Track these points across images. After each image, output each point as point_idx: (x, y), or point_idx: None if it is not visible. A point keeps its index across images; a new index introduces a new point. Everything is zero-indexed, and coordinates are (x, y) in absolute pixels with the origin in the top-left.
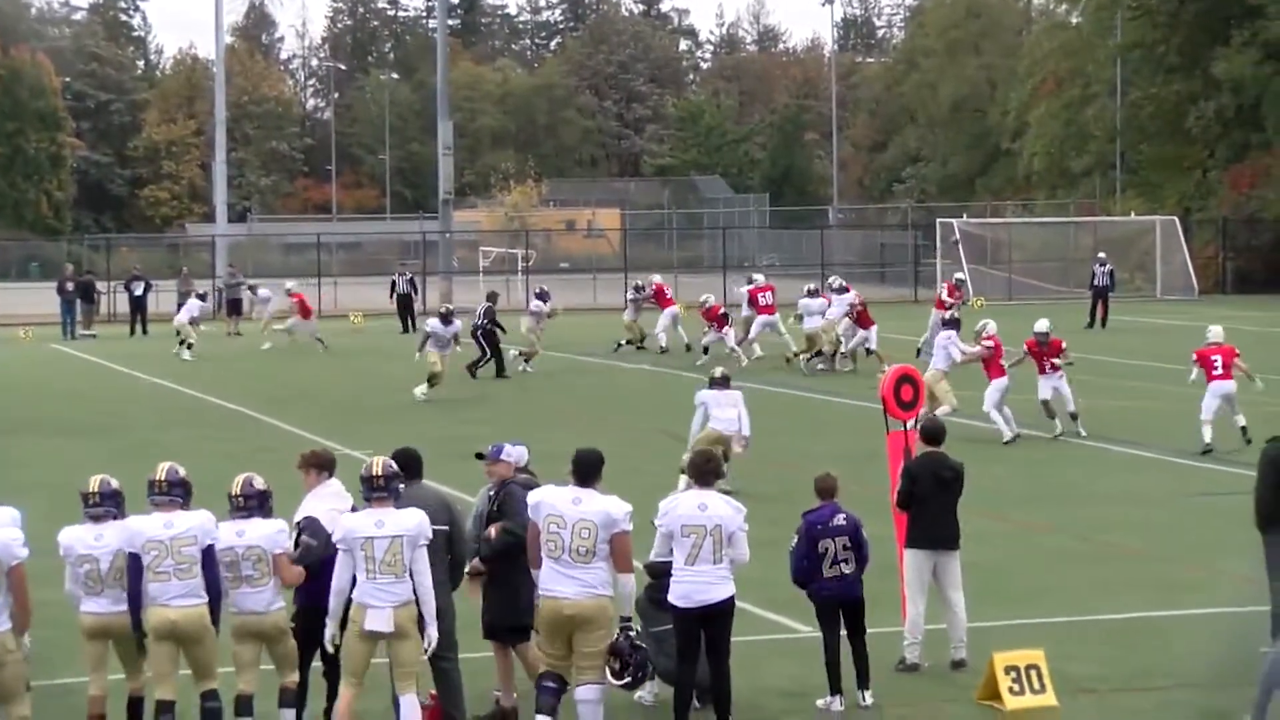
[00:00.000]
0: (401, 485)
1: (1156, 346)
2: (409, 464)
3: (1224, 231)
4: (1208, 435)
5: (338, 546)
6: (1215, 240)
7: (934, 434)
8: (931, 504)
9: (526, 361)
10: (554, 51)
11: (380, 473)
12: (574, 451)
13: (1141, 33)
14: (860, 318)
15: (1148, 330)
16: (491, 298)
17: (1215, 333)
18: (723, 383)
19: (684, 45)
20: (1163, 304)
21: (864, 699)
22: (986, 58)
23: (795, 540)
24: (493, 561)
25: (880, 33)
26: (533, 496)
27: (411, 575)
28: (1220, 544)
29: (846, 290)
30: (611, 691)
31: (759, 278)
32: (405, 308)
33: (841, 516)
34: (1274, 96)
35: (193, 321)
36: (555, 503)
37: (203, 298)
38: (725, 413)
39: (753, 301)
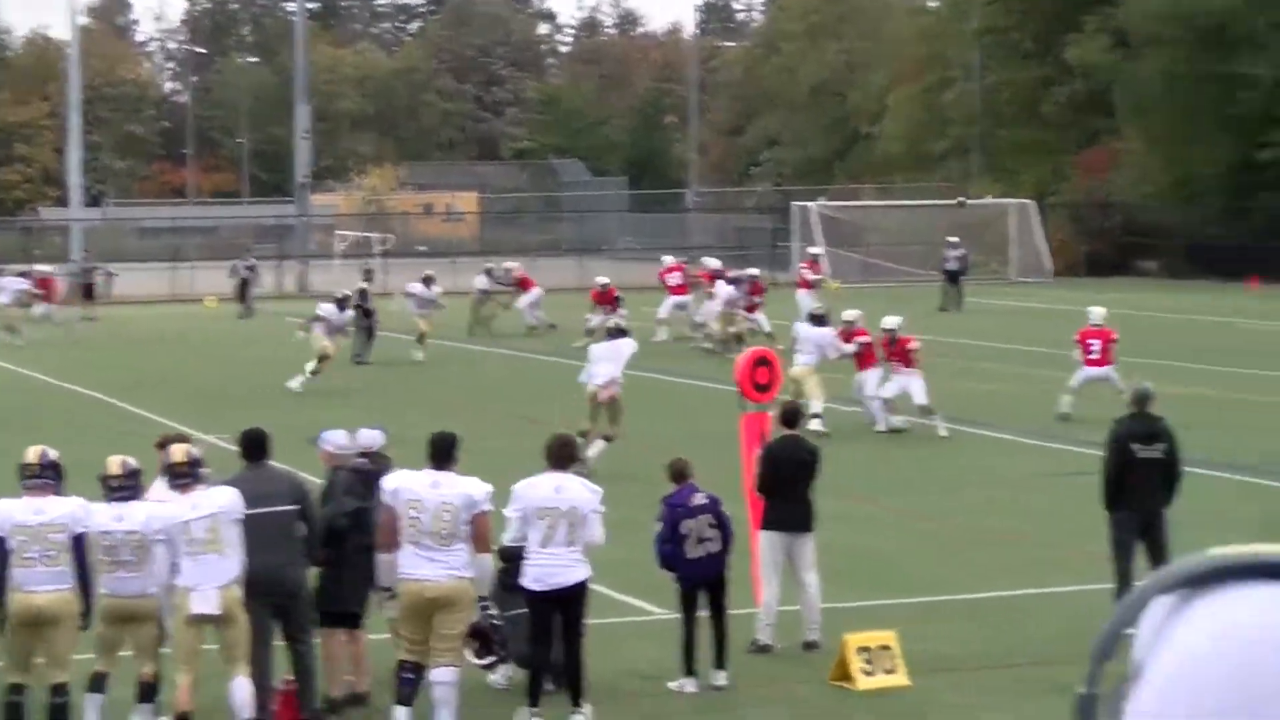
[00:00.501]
0: (205, 470)
1: (1012, 329)
2: (254, 444)
3: (1077, 215)
4: (1065, 405)
5: (158, 538)
6: (1068, 224)
7: (791, 417)
8: (788, 487)
9: (419, 343)
10: (414, 35)
11: (182, 459)
12: (429, 435)
13: (997, 18)
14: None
15: (1003, 312)
16: (368, 277)
17: (1097, 314)
18: (615, 333)
19: (544, 29)
20: (1018, 286)
21: (718, 679)
22: (846, 42)
23: (658, 526)
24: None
25: (740, 16)
26: (389, 482)
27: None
28: (1083, 523)
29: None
30: (465, 675)
31: (668, 259)
32: (243, 293)
33: (701, 496)
34: (1123, 83)
35: (24, 304)
36: (413, 486)
37: (25, 275)
38: (600, 367)
39: (662, 282)
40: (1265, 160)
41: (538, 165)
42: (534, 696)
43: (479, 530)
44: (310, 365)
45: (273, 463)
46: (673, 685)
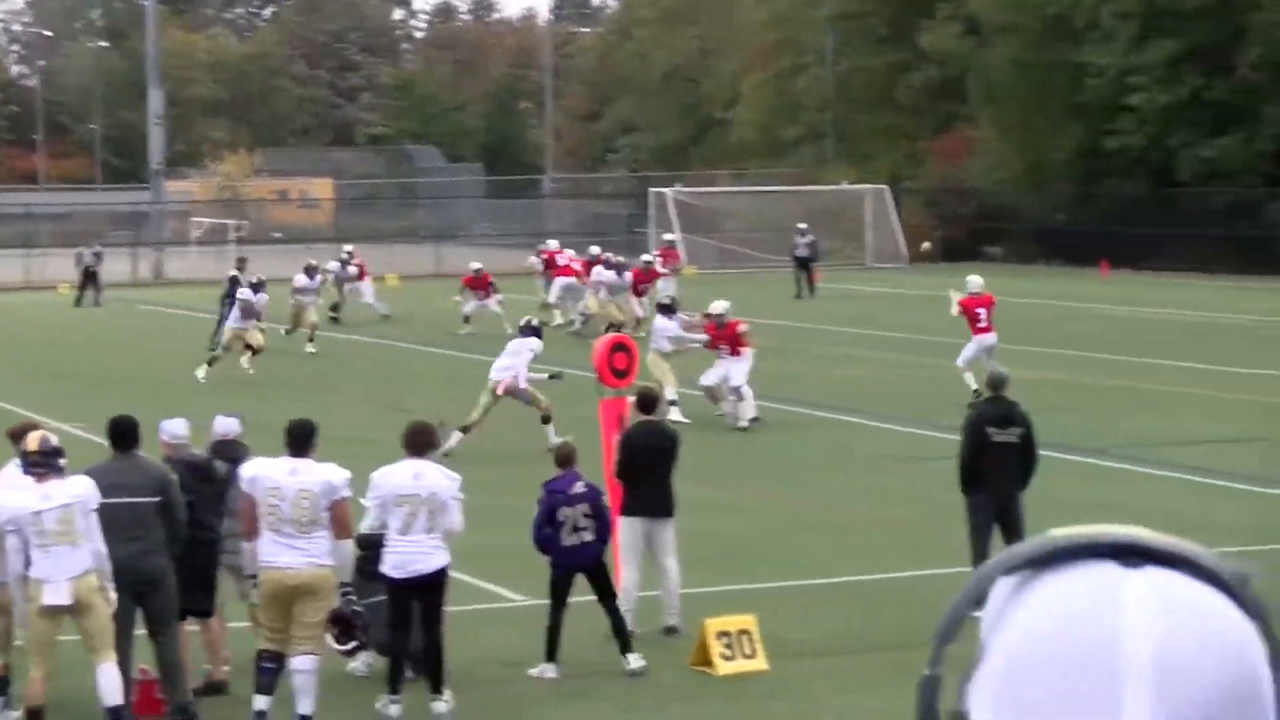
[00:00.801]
0: (63, 461)
1: (868, 314)
2: (122, 434)
3: (932, 201)
4: (972, 382)
5: (8, 529)
6: (922, 210)
7: (649, 402)
8: (647, 473)
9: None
10: (267, 20)
11: (37, 448)
12: (287, 422)
13: (851, 4)
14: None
15: (858, 298)
16: (240, 265)
17: (975, 283)
18: (523, 330)
19: (398, 14)
20: (873, 272)
21: (629, 663)
22: (700, 27)
23: (537, 510)
24: None
25: (595, 2)
26: (248, 470)
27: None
28: (940, 507)
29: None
30: (326, 663)
31: (552, 243)
32: (87, 281)
33: (581, 485)
34: (976, 70)
35: None
36: (271, 474)
37: None
38: (501, 360)
39: (549, 264)
40: (1112, 148)
41: (393, 151)
42: (394, 684)
43: (338, 517)
44: (244, 360)
45: (141, 453)
46: (533, 672)
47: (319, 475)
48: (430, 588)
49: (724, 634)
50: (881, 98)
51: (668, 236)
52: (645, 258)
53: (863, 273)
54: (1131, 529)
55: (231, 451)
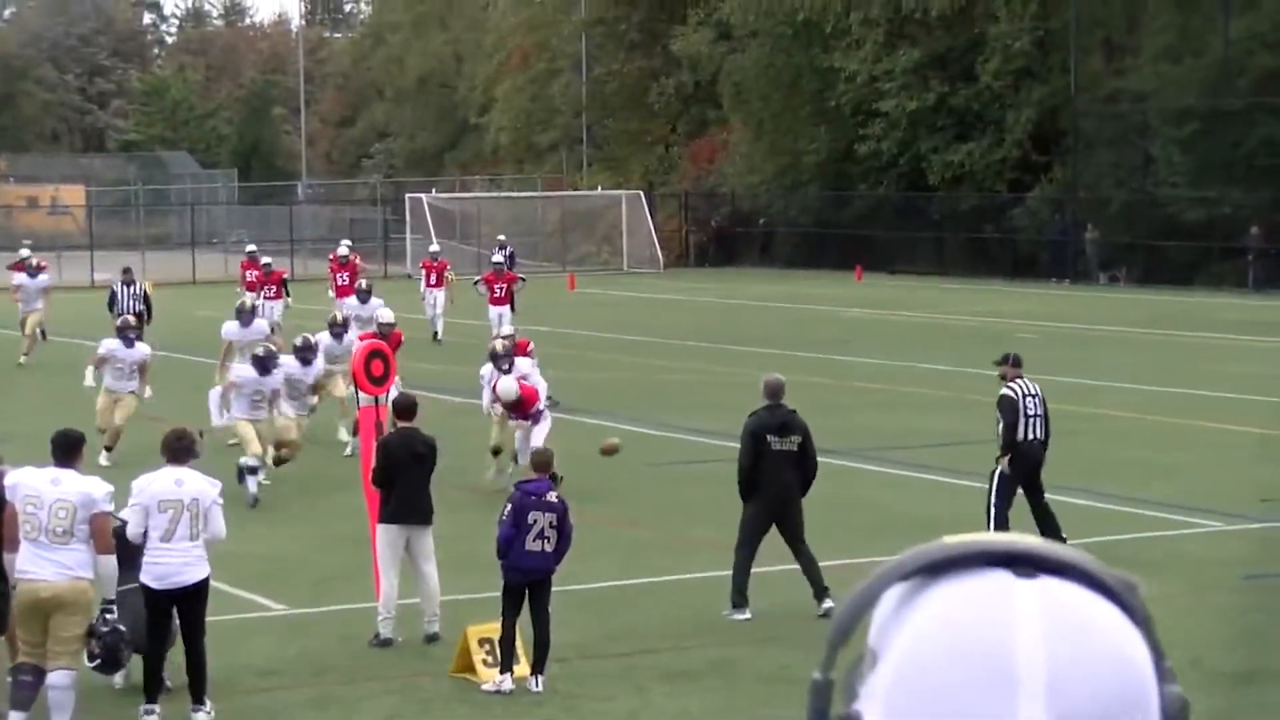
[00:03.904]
0: None
1: (622, 318)
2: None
3: (685, 205)
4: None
5: None
6: (678, 214)
7: (407, 409)
8: (405, 479)
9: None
10: (9, 21)
11: None
12: (54, 432)
13: (604, 9)
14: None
15: (613, 303)
16: (128, 274)
17: (432, 249)
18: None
19: (148, 19)
20: (630, 276)
21: (536, 684)
22: (453, 32)
23: (506, 509)
24: None
25: (348, 8)
26: (10, 478)
27: None
28: (693, 511)
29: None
30: (84, 676)
31: (434, 248)
32: None
33: (554, 495)
34: (727, 74)
35: None
36: (33, 483)
37: None
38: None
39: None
40: (863, 153)
41: (146, 158)
42: (152, 693)
43: (98, 530)
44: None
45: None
46: (488, 686)
47: (80, 487)
48: (191, 597)
49: (485, 640)
50: (635, 102)
51: (433, 248)
52: (496, 258)
53: (620, 277)
54: (1023, 538)
55: None
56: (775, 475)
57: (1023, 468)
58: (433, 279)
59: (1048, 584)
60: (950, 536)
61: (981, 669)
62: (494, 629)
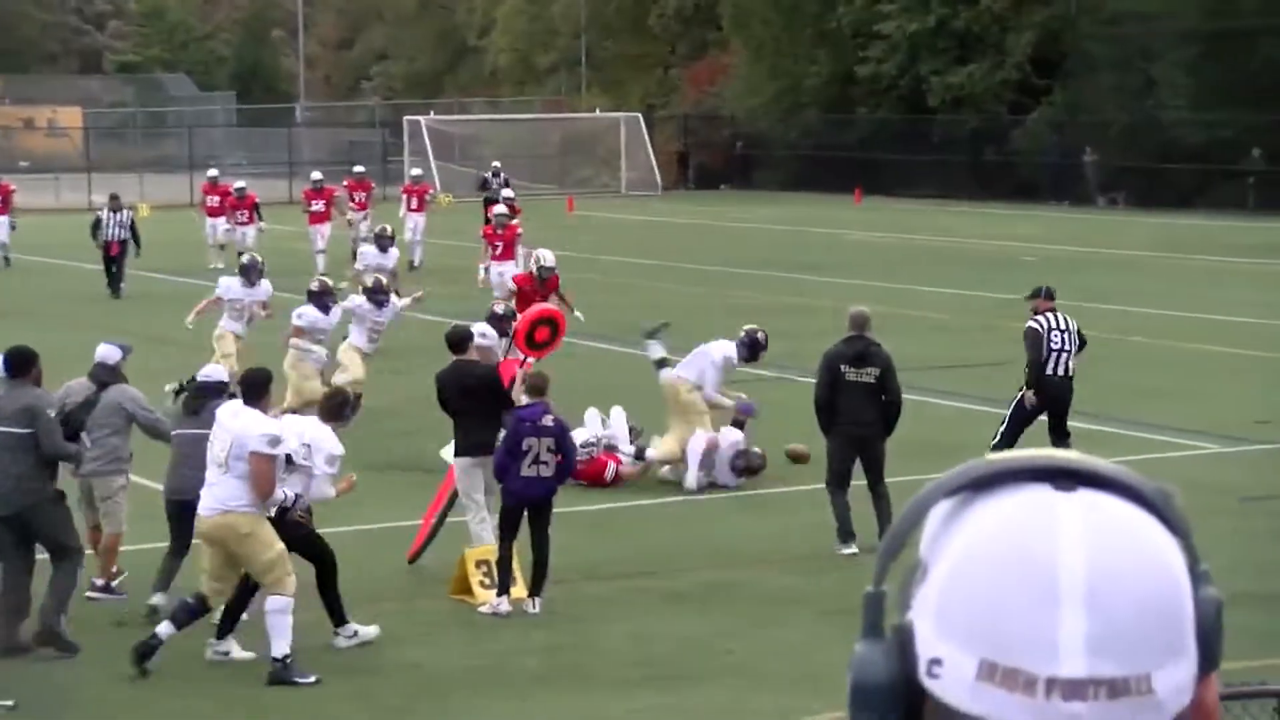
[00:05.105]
0: None
1: (621, 241)
2: (17, 362)
3: (685, 128)
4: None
5: None
6: (677, 136)
7: (457, 341)
8: (463, 412)
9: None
10: None
11: None
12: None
13: None
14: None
15: (611, 225)
16: (115, 201)
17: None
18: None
19: None
20: (628, 199)
21: (534, 606)
22: None
23: (503, 434)
24: None
25: None
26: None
27: None
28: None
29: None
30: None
31: (416, 172)
32: None
33: (550, 418)
34: None
35: None
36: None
37: None
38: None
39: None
40: (864, 75)
41: (143, 80)
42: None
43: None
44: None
45: (27, 384)
46: (484, 608)
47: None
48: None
49: (483, 563)
50: (635, 24)
51: (414, 172)
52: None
53: (618, 199)
54: (1064, 453)
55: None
56: (852, 407)
57: (1048, 404)
58: (413, 203)
59: (1088, 496)
60: (994, 454)
61: (1025, 578)
62: (491, 551)
